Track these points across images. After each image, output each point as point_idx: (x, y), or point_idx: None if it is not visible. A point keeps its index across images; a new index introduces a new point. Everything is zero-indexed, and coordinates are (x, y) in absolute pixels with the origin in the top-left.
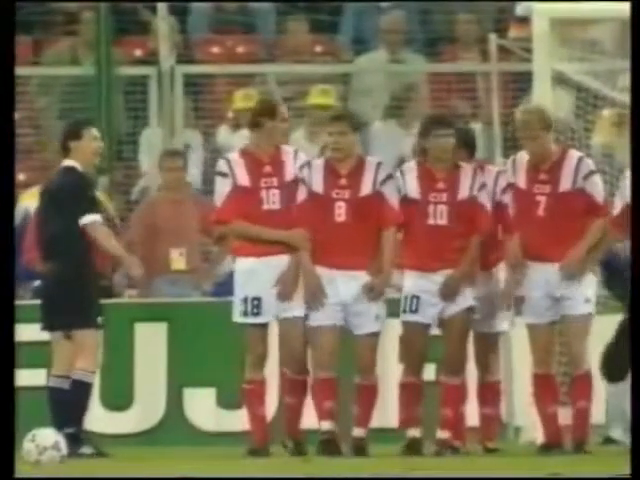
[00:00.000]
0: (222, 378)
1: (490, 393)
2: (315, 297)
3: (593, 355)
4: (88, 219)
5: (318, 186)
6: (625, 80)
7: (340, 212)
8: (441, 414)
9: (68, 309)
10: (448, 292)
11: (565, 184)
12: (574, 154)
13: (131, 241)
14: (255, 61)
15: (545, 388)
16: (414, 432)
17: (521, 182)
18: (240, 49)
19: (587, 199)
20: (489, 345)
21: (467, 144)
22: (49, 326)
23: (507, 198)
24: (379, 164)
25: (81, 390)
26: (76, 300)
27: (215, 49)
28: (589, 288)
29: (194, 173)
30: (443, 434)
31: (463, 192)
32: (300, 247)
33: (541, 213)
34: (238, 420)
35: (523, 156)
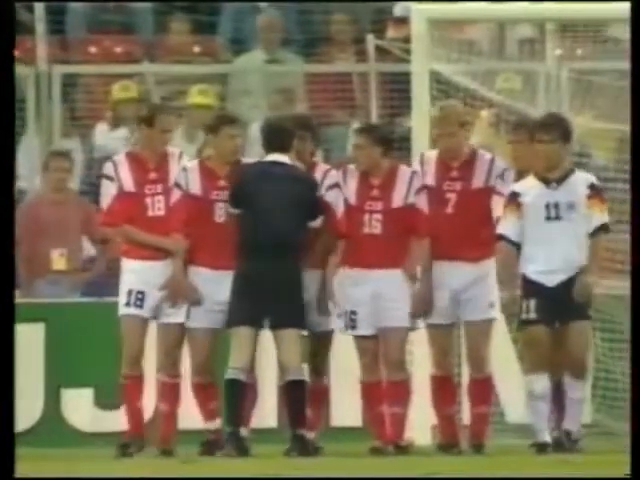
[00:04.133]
0: (100, 378)
1: (397, 391)
2: (186, 300)
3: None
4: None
5: (196, 189)
6: (501, 81)
7: (221, 213)
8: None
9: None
10: None
11: (477, 182)
12: (485, 154)
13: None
14: (133, 61)
15: (444, 390)
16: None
17: (430, 179)
18: (118, 49)
19: (497, 197)
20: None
21: (382, 142)
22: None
23: (420, 199)
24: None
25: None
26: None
27: (93, 49)
28: (493, 292)
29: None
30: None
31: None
32: (174, 252)
33: (450, 210)
34: (115, 420)
35: (431, 153)
